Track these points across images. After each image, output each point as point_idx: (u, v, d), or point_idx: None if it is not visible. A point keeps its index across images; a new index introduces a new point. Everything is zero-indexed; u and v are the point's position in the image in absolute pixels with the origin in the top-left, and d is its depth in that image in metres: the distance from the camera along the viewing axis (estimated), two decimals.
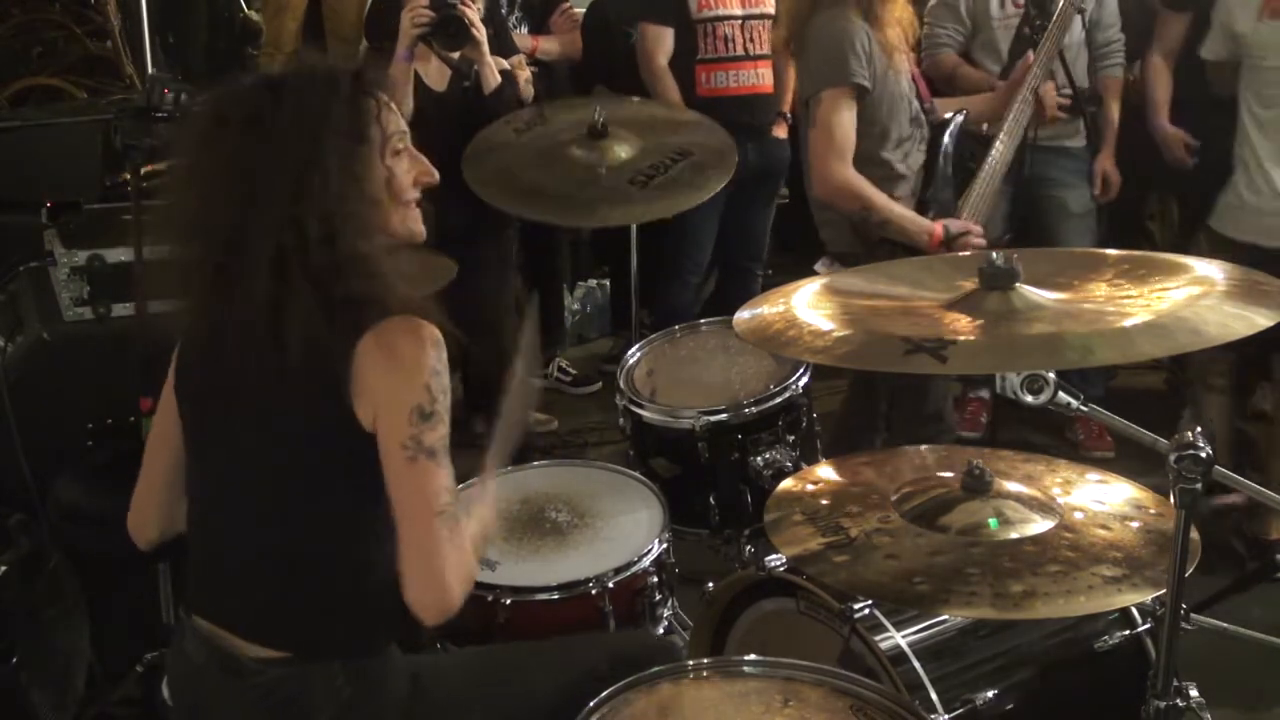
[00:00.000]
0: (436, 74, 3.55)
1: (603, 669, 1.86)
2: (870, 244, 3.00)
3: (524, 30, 4.34)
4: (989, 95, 3.44)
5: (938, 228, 2.95)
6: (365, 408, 1.65)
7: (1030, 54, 3.32)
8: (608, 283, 5.37)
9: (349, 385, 1.64)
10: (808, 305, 1.93)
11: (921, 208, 3.05)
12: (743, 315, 2.00)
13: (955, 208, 3.11)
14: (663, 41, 4.12)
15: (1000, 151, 3.19)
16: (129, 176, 2.75)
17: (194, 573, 1.81)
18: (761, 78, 4.18)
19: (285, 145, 1.65)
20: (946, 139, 3.12)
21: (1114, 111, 4.08)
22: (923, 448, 2.32)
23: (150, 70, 4.72)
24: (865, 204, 2.96)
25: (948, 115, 3.16)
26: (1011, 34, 3.87)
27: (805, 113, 3.06)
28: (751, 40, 4.13)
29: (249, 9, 5.49)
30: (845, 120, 2.95)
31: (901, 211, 2.98)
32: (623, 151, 3.21)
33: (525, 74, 3.81)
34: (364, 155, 1.70)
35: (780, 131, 4.31)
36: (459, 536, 1.66)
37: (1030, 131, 3.46)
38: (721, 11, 4.10)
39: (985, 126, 3.40)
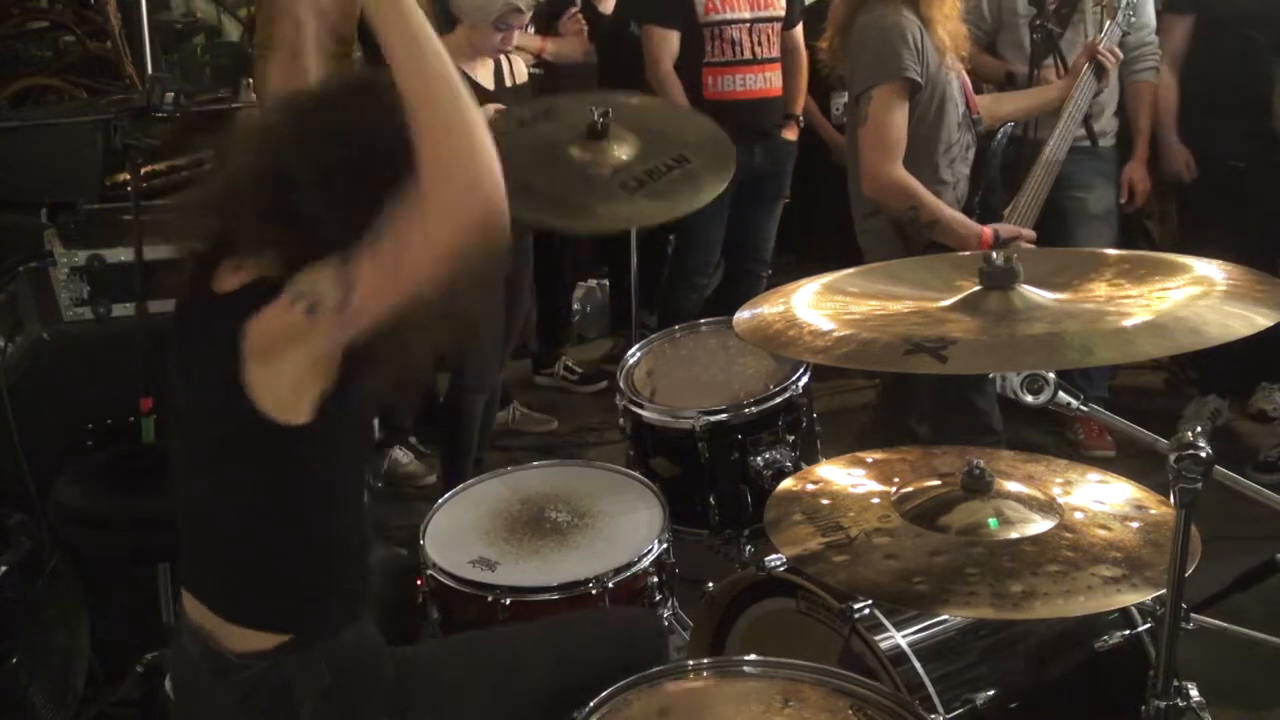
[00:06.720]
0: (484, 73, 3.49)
1: (596, 654, 1.91)
2: (915, 251, 2.91)
3: (531, 30, 4.33)
4: (1041, 89, 3.41)
5: (987, 231, 2.90)
6: (264, 391, 1.62)
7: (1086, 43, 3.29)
8: (608, 283, 5.37)
9: (243, 369, 1.62)
10: (808, 305, 1.93)
11: (968, 215, 3.00)
12: (743, 315, 2.00)
13: (1001, 218, 3.07)
14: (668, 44, 4.09)
15: (1050, 156, 3.15)
16: (129, 176, 2.76)
17: (180, 545, 1.85)
18: (769, 81, 4.15)
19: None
20: (995, 148, 3.07)
21: (1144, 119, 4.05)
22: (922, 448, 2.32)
23: (150, 70, 4.73)
24: (914, 203, 2.89)
25: (995, 127, 3.11)
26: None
27: (854, 111, 3.00)
28: (759, 44, 4.10)
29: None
30: (897, 117, 2.89)
31: (951, 213, 2.92)
32: (621, 153, 3.18)
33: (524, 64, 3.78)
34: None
35: (790, 134, 4.29)
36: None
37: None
38: (729, 15, 4.07)
39: (1036, 128, 3.36)
